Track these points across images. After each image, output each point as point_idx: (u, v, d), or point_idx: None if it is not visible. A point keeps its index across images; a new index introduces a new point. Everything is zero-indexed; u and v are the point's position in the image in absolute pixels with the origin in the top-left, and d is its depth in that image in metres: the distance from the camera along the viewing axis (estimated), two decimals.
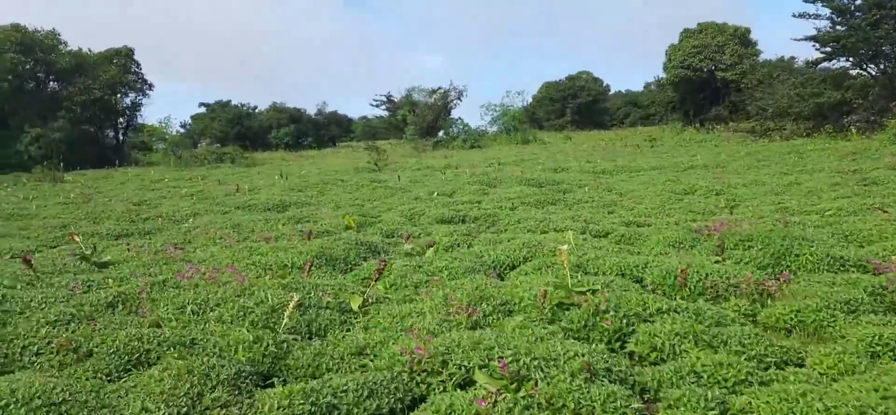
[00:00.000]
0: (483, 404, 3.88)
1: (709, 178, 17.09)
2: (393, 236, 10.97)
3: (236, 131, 68.62)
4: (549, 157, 29.64)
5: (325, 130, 77.99)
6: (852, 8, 30.18)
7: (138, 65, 44.89)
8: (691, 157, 25.33)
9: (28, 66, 41.64)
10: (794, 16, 32.02)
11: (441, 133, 57.64)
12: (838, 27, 30.68)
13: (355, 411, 4.34)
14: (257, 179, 23.03)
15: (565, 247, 6.11)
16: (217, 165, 33.18)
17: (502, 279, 7.75)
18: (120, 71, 43.23)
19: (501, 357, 4.69)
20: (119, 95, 43.86)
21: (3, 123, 39.22)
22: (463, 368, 4.65)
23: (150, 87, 45.69)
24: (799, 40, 35.78)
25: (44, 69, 42.70)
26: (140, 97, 45.12)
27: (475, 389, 4.45)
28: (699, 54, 46.48)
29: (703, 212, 11.63)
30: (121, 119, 45.10)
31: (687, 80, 47.66)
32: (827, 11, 31.10)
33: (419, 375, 4.67)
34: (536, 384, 4.39)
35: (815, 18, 31.72)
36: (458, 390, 4.50)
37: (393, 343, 5.26)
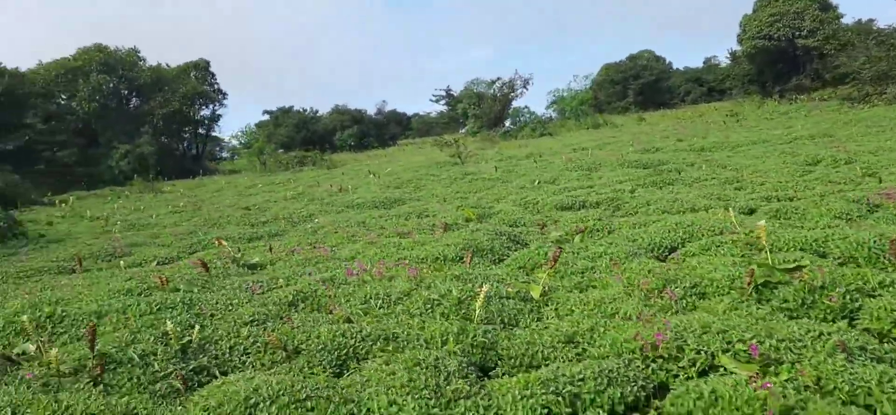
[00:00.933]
0: (768, 386, 3.65)
1: (823, 148, 16.26)
2: (517, 226, 10.81)
3: (302, 136, 69.89)
4: (630, 139, 28.88)
5: (385, 129, 78.70)
6: None
7: (214, 76, 46.30)
8: (787, 129, 24.28)
9: (111, 85, 43.47)
10: None
11: (508, 123, 57.31)
12: None
13: (598, 399, 4.19)
14: (348, 179, 23.29)
15: (762, 223, 5.79)
16: (300, 169, 33.83)
17: (664, 262, 7.51)
18: (198, 82, 44.64)
19: (741, 340, 4.47)
20: (197, 106, 45.32)
21: (95, 143, 41.10)
22: (703, 353, 4.44)
23: (225, 96, 47.07)
24: None
25: (126, 86, 44.53)
26: (217, 108, 46.54)
27: (722, 374, 4.24)
28: (777, 23, 44.64)
29: (845, 182, 11.02)
30: (200, 129, 46.59)
31: (764, 51, 45.83)
32: None
33: (655, 361, 4.49)
34: (793, 366, 4.15)
35: None
36: (703, 377, 4.30)
37: (603, 330, 5.10)
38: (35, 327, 5.73)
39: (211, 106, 46.14)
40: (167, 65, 46.66)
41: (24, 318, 5.49)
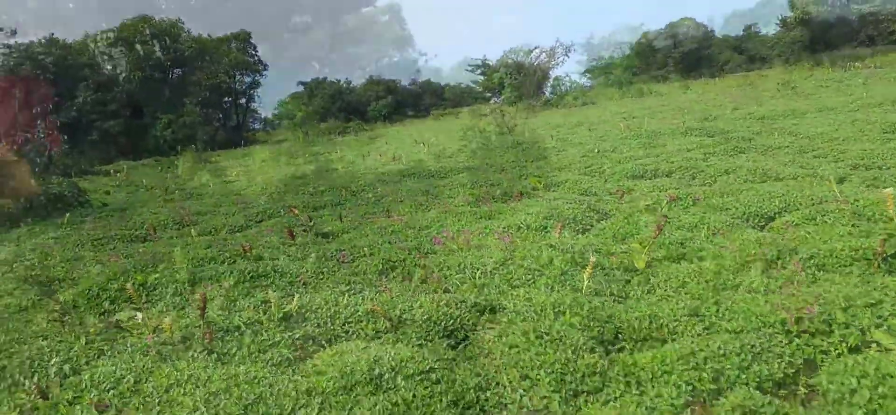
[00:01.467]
0: None
1: None
2: (589, 195, 10.50)
3: (337, 106, 69.62)
4: (680, 107, 28.09)
5: (420, 99, 78.00)
6: None
7: (254, 47, 46.34)
8: (849, 96, 23.30)
9: (155, 56, 43.77)
10: None
11: (549, 92, 56.39)
12: None
13: (743, 375, 3.94)
14: (395, 149, 23.10)
15: (890, 190, 5.42)
16: (342, 139, 33.78)
17: (762, 231, 7.17)
18: (239, 53, 44.77)
19: (895, 314, 4.16)
20: (239, 76, 45.51)
21: (139, 113, 41.52)
22: (853, 328, 4.15)
23: (266, 67, 47.13)
24: None
25: (169, 57, 44.78)
26: (258, 78, 46.68)
27: (878, 350, 3.95)
28: None
29: None
30: (242, 100, 46.82)
31: (819, 17, 44.09)
32: None
33: (799, 336, 4.21)
34: None
35: None
36: (855, 354, 4.02)
37: (731, 303, 4.82)
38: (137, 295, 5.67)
39: (252, 76, 46.27)
40: (209, 35, 46.77)
41: (129, 285, 5.43)
